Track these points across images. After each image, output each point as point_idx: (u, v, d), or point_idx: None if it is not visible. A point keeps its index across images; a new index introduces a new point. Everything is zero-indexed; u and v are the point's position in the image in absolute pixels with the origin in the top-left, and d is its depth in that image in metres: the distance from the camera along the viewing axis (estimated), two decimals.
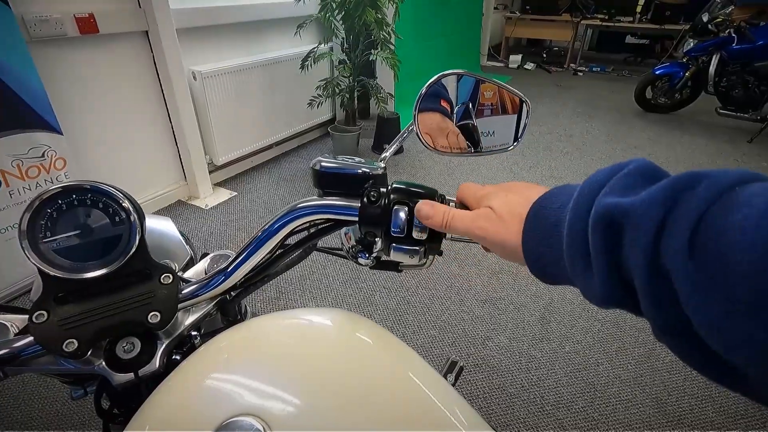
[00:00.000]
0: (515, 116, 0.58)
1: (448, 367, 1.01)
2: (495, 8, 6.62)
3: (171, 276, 0.43)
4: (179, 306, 0.43)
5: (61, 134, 1.82)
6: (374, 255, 0.47)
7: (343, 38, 3.03)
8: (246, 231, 2.36)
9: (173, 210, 2.54)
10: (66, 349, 0.38)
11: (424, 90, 0.45)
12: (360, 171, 0.42)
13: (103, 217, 0.41)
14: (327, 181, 0.43)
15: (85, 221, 0.40)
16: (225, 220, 2.45)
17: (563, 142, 3.68)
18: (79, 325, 0.39)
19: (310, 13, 2.86)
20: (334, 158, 0.43)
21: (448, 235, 0.39)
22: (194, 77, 2.47)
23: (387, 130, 3.30)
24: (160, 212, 2.51)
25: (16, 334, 0.41)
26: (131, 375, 0.43)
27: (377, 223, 0.39)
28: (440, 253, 0.42)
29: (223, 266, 0.44)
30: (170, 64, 2.26)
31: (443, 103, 0.49)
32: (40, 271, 0.38)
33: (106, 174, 2.22)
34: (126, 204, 0.41)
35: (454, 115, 0.58)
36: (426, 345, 1.63)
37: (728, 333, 0.18)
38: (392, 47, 2.98)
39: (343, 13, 2.79)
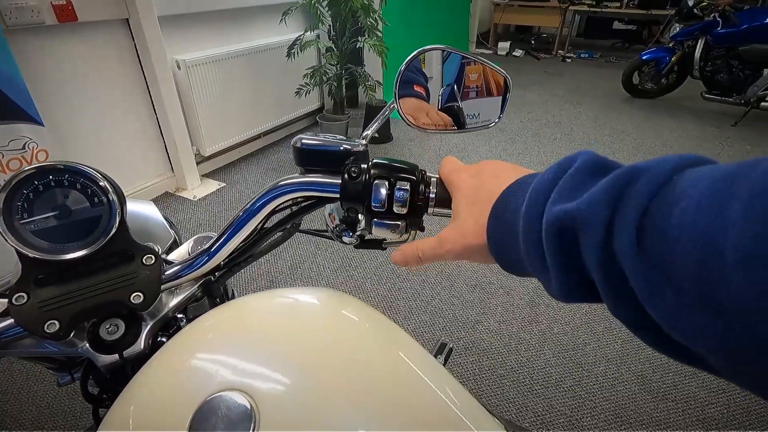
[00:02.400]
0: (500, 98, 0.58)
1: (438, 349, 1.03)
2: None
3: (153, 257, 0.43)
4: (163, 287, 0.43)
5: (43, 126, 1.78)
6: (358, 234, 0.47)
7: (329, 25, 2.99)
8: None
9: (161, 202, 2.51)
10: (47, 331, 0.38)
11: (403, 66, 0.45)
12: (341, 148, 0.42)
13: (82, 198, 0.40)
14: (308, 159, 0.42)
15: (63, 202, 0.40)
16: (214, 211, 2.44)
17: (552, 129, 3.70)
18: (60, 306, 0.38)
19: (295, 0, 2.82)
20: (316, 136, 0.43)
21: (430, 210, 0.39)
22: (178, 66, 2.43)
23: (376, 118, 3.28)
24: None
25: None
26: (116, 356, 0.43)
27: (358, 198, 0.39)
28: (422, 229, 0.42)
29: (206, 247, 0.44)
30: (153, 52, 2.22)
31: (425, 80, 0.49)
32: (19, 253, 0.38)
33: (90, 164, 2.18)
34: (104, 184, 0.40)
35: (439, 97, 0.58)
36: (417, 330, 1.65)
37: (684, 326, 0.19)
38: (379, 34, 2.95)
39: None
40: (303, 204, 0.45)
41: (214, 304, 0.53)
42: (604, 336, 1.62)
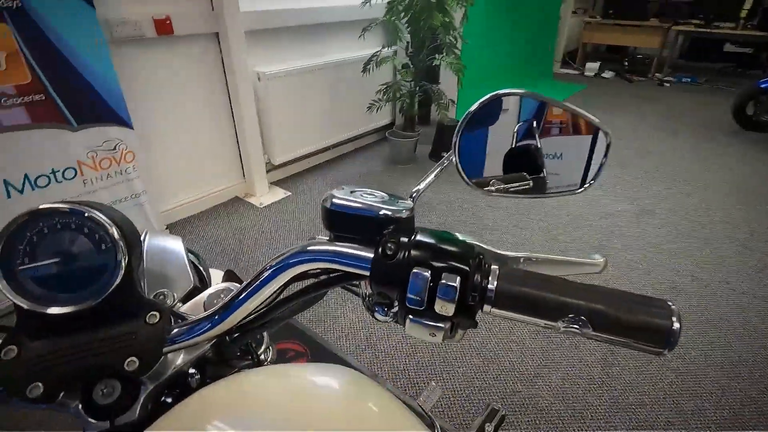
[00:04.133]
0: (590, 138, 0.48)
1: (487, 415, 0.89)
2: (573, 12, 6.23)
3: (158, 315, 0.38)
4: (165, 350, 0.38)
5: (132, 129, 1.93)
6: (394, 311, 0.39)
7: (407, 42, 2.96)
8: (296, 233, 2.36)
9: (230, 206, 2.61)
10: (29, 395, 0.33)
11: (473, 108, 0.36)
12: (379, 213, 0.33)
13: (89, 244, 0.36)
14: (339, 223, 0.35)
15: (68, 248, 0.35)
16: (277, 219, 2.48)
17: (641, 159, 3.33)
18: (46, 366, 0.34)
19: (375, 16, 2.83)
20: (351, 192, 0.35)
21: (487, 308, 0.30)
22: (258, 78, 2.53)
23: (446, 137, 3.18)
24: (217, 208, 2.59)
25: None
26: (106, 423, 0.37)
27: (392, 283, 0.31)
28: (474, 325, 0.33)
29: (210, 312, 0.38)
30: (237, 65, 2.32)
31: (496, 128, 0.39)
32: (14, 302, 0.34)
33: (171, 168, 2.33)
34: (113, 231, 0.35)
35: (514, 134, 0.48)
36: (468, 375, 1.51)
37: None
38: (458, 52, 2.86)
39: (408, 16, 2.73)
40: (331, 275, 0.37)
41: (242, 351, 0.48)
42: (695, 418, 1.36)
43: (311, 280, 0.41)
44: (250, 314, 0.39)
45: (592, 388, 1.46)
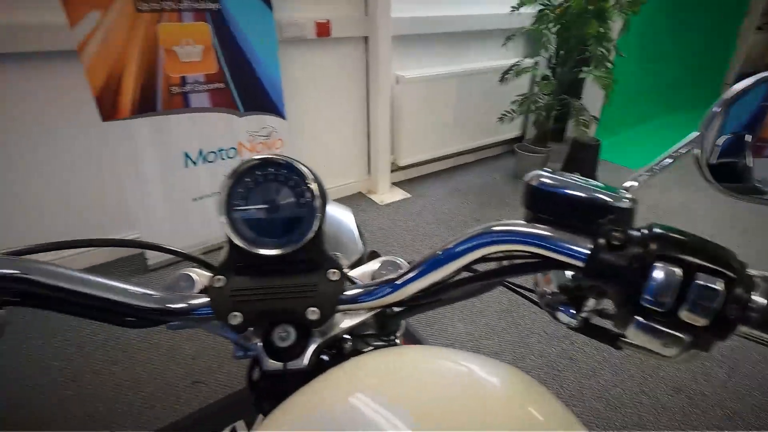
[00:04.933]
0: None
1: None
2: (758, 28, 5.26)
3: (338, 273, 0.39)
4: (339, 307, 0.39)
5: (285, 119, 2.15)
6: (584, 315, 0.34)
7: (552, 53, 2.80)
8: (412, 233, 2.39)
9: (353, 200, 2.75)
10: (230, 321, 0.37)
11: (739, 87, 0.30)
12: (598, 197, 0.30)
13: (291, 196, 0.39)
14: (544, 203, 0.32)
15: (274, 197, 0.39)
16: (395, 218, 2.54)
17: None
18: (246, 300, 0.38)
19: (521, 25, 2.73)
20: (560, 174, 0.32)
21: (744, 329, 0.24)
22: (397, 81, 2.62)
23: (582, 157, 2.93)
24: (342, 200, 2.76)
25: (199, 291, 0.43)
26: (281, 365, 0.40)
27: (616, 279, 0.27)
28: (707, 349, 0.27)
29: (391, 276, 0.38)
30: (381, 67, 2.44)
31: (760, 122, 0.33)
32: (228, 238, 0.38)
33: (308, 158, 2.54)
34: (313, 186, 0.38)
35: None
36: (585, 418, 1.35)
37: None
38: (609, 65, 2.62)
39: (559, 25, 2.58)
40: (521, 261, 0.34)
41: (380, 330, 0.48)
42: None
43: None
44: (421, 290, 0.39)
45: None
